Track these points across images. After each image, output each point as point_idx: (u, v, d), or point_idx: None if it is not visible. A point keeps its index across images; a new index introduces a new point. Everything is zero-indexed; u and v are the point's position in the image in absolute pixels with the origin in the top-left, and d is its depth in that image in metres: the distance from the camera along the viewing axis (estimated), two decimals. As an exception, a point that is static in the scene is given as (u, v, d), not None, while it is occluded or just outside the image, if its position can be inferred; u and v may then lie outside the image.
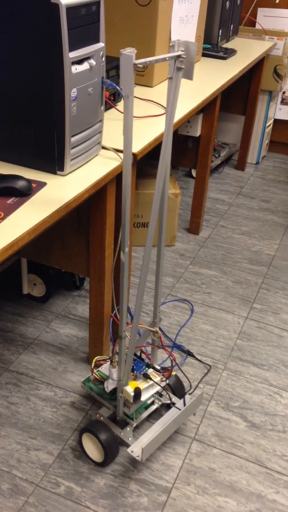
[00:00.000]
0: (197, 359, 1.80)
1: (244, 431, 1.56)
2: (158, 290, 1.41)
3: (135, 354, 1.48)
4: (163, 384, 1.45)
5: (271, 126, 3.36)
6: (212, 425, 1.57)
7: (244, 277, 2.25)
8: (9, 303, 2.01)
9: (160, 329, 1.45)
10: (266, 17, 3.15)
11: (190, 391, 1.66)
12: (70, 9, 1.09)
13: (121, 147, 1.41)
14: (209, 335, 1.92)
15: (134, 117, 1.63)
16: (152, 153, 1.64)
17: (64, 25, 1.08)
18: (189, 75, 1.04)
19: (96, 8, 1.19)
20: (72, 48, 1.13)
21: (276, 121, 3.41)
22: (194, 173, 3.10)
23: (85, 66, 1.19)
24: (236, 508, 1.36)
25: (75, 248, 1.57)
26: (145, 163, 2.43)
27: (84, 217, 1.50)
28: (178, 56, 1.02)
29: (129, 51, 0.96)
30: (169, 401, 1.51)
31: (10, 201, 1.13)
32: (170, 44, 1.02)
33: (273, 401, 1.66)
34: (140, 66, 0.97)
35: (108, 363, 1.53)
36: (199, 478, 1.43)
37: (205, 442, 1.52)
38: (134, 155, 1.40)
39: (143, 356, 1.52)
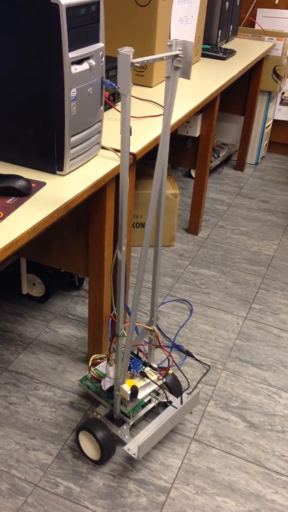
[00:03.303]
0: (196, 359, 1.81)
1: (243, 431, 1.56)
2: (156, 289, 1.41)
3: (132, 353, 1.48)
4: (160, 382, 1.45)
5: (270, 126, 3.36)
6: (211, 425, 1.57)
7: (243, 277, 2.25)
8: (8, 303, 2.01)
9: (158, 328, 1.45)
10: (266, 18, 3.15)
11: (189, 391, 1.67)
12: (70, 9, 1.09)
13: (120, 147, 1.41)
14: (208, 335, 1.92)
15: (134, 117, 1.63)
16: (152, 153, 1.64)
17: (64, 25, 1.08)
18: (186, 75, 1.05)
19: (96, 8, 1.19)
20: (71, 48, 1.13)
21: (275, 122, 3.41)
22: (193, 173, 3.10)
23: (84, 66, 1.19)
24: (235, 508, 1.36)
25: (74, 248, 1.57)
26: (144, 163, 2.43)
27: (84, 217, 1.50)
28: (176, 56, 1.03)
29: (126, 50, 0.97)
30: (166, 400, 1.51)
31: (9, 201, 1.13)
32: (168, 43, 1.03)
33: (272, 401, 1.67)
34: (138, 65, 0.98)
35: (105, 361, 1.53)
36: (198, 478, 1.43)
37: (204, 442, 1.52)
38: (134, 155, 1.40)
39: (141, 354, 1.52)
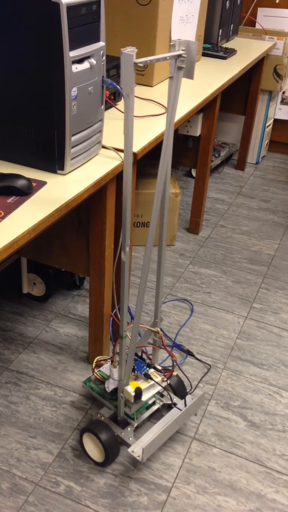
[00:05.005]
0: (197, 359, 1.81)
1: (244, 431, 1.56)
2: (160, 290, 1.41)
3: (136, 354, 1.47)
4: (164, 384, 1.45)
5: (271, 126, 3.36)
6: (212, 425, 1.57)
7: (244, 276, 2.25)
8: (9, 302, 2.01)
9: (160, 329, 1.45)
10: (266, 17, 3.15)
11: (190, 391, 1.67)
12: (71, 8, 1.09)
13: (121, 146, 1.41)
14: (209, 334, 1.92)
15: (135, 116, 1.63)
16: (152, 152, 1.64)
17: (65, 24, 1.08)
18: (189, 75, 1.04)
19: (97, 7, 1.19)
20: (72, 47, 1.13)
21: (276, 121, 3.41)
22: (194, 172, 3.10)
23: (85, 65, 1.19)
24: (236, 507, 1.36)
25: (75, 248, 1.57)
26: (145, 163, 2.43)
27: (84, 217, 1.50)
28: (179, 56, 1.02)
29: (129, 50, 0.96)
30: (170, 402, 1.50)
31: (10, 200, 1.13)
32: (171, 43, 1.02)
33: (272, 400, 1.67)
34: (141, 65, 0.97)
35: (109, 363, 1.53)
36: (199, 477, 1.43)
37: (205, 441, 1.52)
38: (134, 154, 1.40)
39: (144, 356, 1.52)
